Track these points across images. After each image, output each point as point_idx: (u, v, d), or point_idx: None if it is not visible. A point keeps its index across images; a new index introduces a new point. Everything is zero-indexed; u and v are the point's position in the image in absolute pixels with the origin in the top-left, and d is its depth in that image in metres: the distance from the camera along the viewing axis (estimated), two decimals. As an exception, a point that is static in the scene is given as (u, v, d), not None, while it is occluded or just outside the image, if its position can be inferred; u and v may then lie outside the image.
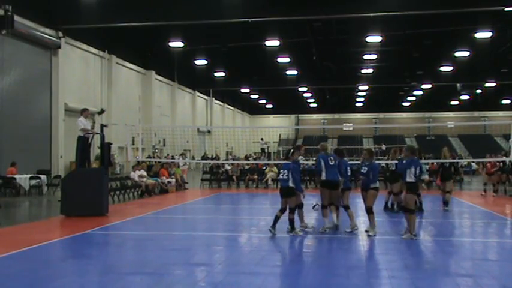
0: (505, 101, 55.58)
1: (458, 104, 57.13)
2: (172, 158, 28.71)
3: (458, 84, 44.37)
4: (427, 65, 37.50)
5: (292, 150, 9.69)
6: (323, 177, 9.72)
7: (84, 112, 13.35)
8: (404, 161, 10.05)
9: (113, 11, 23.35)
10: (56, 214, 12.57)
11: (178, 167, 22.69)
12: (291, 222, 9.40)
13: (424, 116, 64.46)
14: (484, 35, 26.28)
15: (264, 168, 23.83)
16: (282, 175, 9.38)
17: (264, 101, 59.24)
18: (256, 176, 23.03)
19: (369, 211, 9.52)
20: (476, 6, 21.51)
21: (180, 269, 7.09)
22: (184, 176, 22.25)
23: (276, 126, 61.64)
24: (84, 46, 27.74)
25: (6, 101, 21.34)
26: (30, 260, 7.62)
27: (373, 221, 9.53)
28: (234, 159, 33.26)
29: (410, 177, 9.07)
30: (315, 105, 61.01)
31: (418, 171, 9.05)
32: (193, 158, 34.14)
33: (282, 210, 9.45)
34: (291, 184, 9.24)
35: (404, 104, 58.43)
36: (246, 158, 33.97)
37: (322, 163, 9.70)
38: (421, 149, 15.24)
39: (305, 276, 6.73)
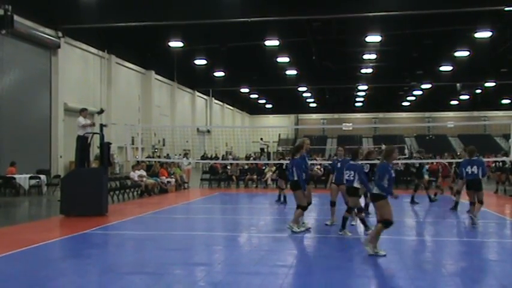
0: (505, 101, 55.58)
1: (458, 104, 57.13)
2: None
3: (458, 84, 44.36)
4: (427, 64, 37.48)
5: (357, 152, 9.74)
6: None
7: (82, 112, 13.36)
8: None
9: (113, 11, 23.34)
10: (56, 214, 12.56)
11: (179, 166, 22.64)
12: (347, 220, 9.47)
13: (423, 116, 64.45)
14: (483, 34, 26.23)
15: (264, 168, 23.82)
16: (348, 176, 9.40)
17: (263, 101, 59.21)
18: (255, 176, 23.03)
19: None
20: (476, 6, 21.48)
21: (180, 269, 7.09)
22: (184, 176, 22.21)
23: (275, 126, 61.59)
24: (84, 46, 27.73)
25: (5, 101, 21.35)
26: (30, 259, 7.61)
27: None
28: (233, 159, 33.19)
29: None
30: (314, 105, 61.03)
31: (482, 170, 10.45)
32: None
33: (349, 210, 9.50)
34: (355, 184, 9.27)
35: (404, 103, 58.40)
36: (247, 158, 33.89)
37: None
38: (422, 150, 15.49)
39: (304, 276, 6.73)
